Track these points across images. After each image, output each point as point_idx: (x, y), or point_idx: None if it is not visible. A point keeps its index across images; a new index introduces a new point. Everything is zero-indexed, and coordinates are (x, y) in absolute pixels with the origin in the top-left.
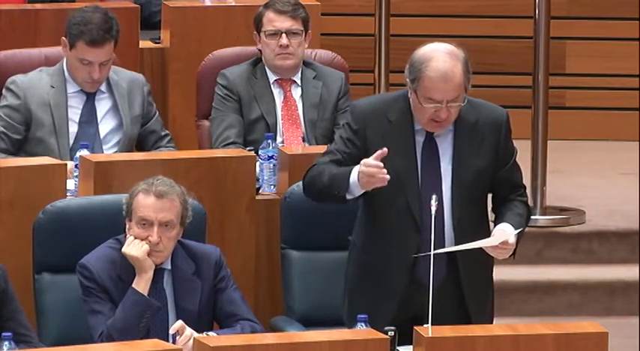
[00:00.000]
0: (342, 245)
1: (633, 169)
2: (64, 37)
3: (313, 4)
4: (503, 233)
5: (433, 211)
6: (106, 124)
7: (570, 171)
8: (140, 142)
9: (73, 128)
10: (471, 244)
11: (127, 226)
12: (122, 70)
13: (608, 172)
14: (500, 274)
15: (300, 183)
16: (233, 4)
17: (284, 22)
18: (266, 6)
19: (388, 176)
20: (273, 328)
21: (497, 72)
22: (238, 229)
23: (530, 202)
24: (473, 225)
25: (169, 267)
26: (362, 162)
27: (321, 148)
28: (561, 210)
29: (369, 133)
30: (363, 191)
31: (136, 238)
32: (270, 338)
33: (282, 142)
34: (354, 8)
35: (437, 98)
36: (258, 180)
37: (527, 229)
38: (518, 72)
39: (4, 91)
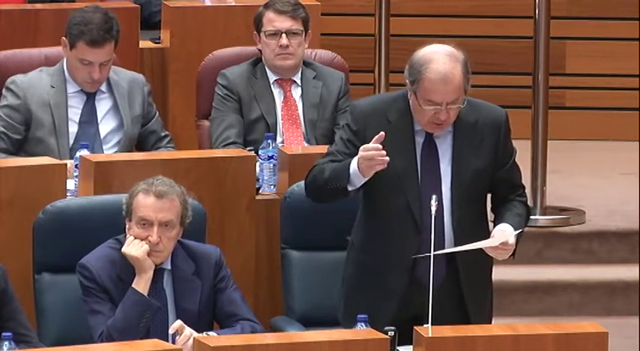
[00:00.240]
0: (341, 245)
1: (633, 169)
2: (64, 37)
3: (313, 4)
4: (503, 234)
5: (433, 212)
6: (106, 124)
7: (570, 171)
8: (140, 143)
9: (73, 128)
10: (471, 245)
11: (127, 226)
12: (122, 70)
13: (608, 172)
14: (500, 274)
15: (300, 183)
16: (233, 4)
17: (284, 22)
18: (266, 6)
19: (388, 158)
20: (273, 328)
21: (497, 72)
22: (238, 229)
23: (530, 202)
24: (472, 225)
25: (169, 267)
26: (361, 147)
27: (321, 148)
28: (561, 210)
29: (369, 134)
30: (364, 181)
31: (135, 238)
32: (270, 338)
33: (282, 142)
34: (354, 8)
35: (437, 100)
36: (258, 180)
37: (527, 229)
38: (518, 72)
39: (4, 91)
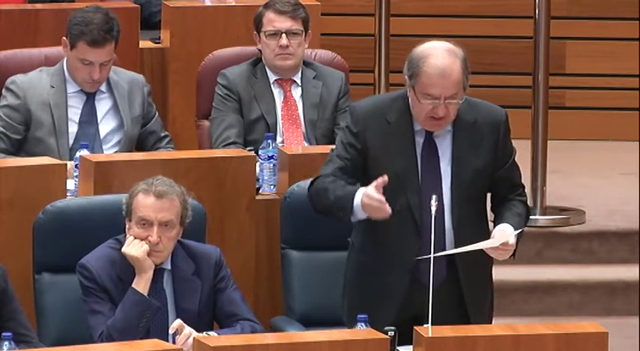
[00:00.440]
0: (342, 245)
1: (633, 169)
2: (64, 37)
3: (313, 4)
4: (503, 234)
5: (433, 212)
6: (106, 124)
7: (570, 171)
8: (140, 143)
9: (73, 128)
10: (471, 246)
11: (127, 226)
12: (122, 71)
13: (608, 172)
14: (500, 274)
15: (301, 183)
16: (233, 4)
17: (284, 23)
18: (266, 6)
19: (390, 211)
20: (273, 328)
21: (497, 72)
22: (238, 229)
23: (530, 202)
24: (473, 224)
25: (169, 267)
26: (364, 193)
27: (321, 148)
28: (561, 210)
29: (369, 135)
30: (366, 216)
31: (135, 238)
32: (270, 338)
33: (282, 142)
34: (354, 8)
35: (435, 94)
36: (258, 180)
37: (527, 229)
38: (518, 72)
39: (4, 91)
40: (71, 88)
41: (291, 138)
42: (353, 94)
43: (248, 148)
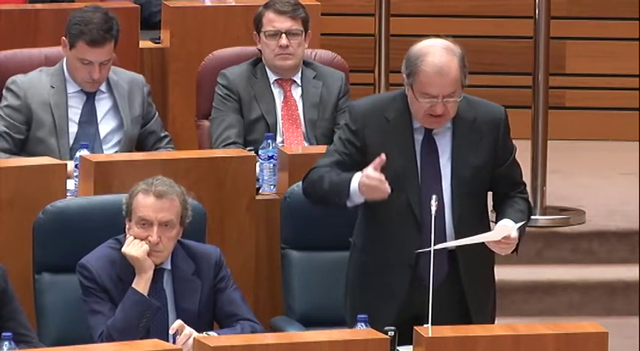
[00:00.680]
0: (342, 245)
1: (633, 169)
2: (64, 37)
3: (313, 4)
4: (505, 228)
5: (433, 211)
6: (106, 124)
7: (570, 171)
8: (139, 143)
9: (73, 128)
10: (472, 238)
11: (127, 226)
12: (122, 71)
13: (608, 172)
14: (501, 274)
15: (301, 183)
16: (233, 4)
17: (284, 23)
18: (266, 6)
19: (389, 190)
20: (273, 328)
21: (497, 72)
22: (238, 229)
23: (530, 202)
24: (473, 222)
25: (169, 267)
26: (363, 173)
27: (321, 148)
28: (561, 210)
29: (368, 133)
30: (363, 199)
31: (135, 238)
32: (270, 338)
33: (282, 142)
34: (354, 8)
35: (432, 93)
36: (258, 180)
37: (527, 229)
38: (518, 72)
39: (4, 91)
40: (71, 88)
41: (291, 138)
42: (353, 94)
43: (248, 148)
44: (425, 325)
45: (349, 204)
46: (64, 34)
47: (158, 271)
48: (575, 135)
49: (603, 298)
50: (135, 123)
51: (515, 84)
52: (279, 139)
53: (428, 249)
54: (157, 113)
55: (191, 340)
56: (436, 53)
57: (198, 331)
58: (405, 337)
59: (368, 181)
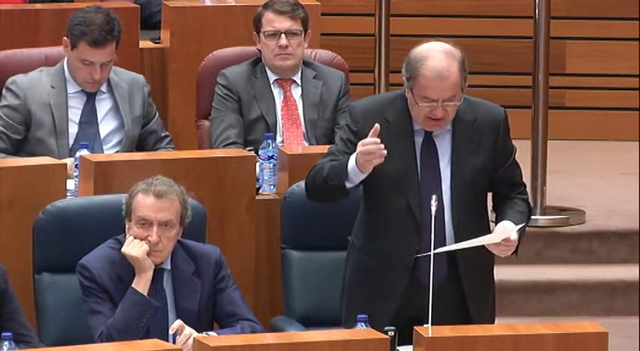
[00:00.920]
0: (342, 245)
1: (633, 169)
2: (65, 37)
3: (313, 4)
4: (505, 230)
5: (433, 212)
6: (106, 125)
7: (570, 171)
8: (140, 143)
9: (73, 129)
10: (472, 241)
11: (127, 226)
12: (122, 71)
13: (608, 172)
14: (501, 274)
15: (300, 183)
16: (233, 4)
17: (283, 23)
18: (265, 6)
19: (385, 151)
20: (273, 328)
21: (497, 72)
22: (238, 229)
23: (530, 203)
24: (473, 224)
25: (169, 267)
26: (359, 143)
27: (321, 148)
28: (561, 210)
29: (368, 134)
30: (363, 178)
31: (135, 238)
32: (270, 338)
33: (282, 142)
34: (354, 8)
35: (432, 97)
36: (258, 180)
37: (527, 229)
38: (518, 72)
39: (4, 91)
40: (71, 88)
41: (291, 138)
42: (353, 94)
43: (248, 148)
44: (425, 325)
45: (348, 185)
46: (65, 34)
47: (158, 271)
48: (575, 135)
49: (603, 298)
50: (136, 123)
51: (515, 84)
52: (279, 139)
53: (428, 254)
54: (158, 113)
55: (191, 340)
56: (436, 57)
57: (198, 331)
58: (404, 338)
59: (364, 147)
